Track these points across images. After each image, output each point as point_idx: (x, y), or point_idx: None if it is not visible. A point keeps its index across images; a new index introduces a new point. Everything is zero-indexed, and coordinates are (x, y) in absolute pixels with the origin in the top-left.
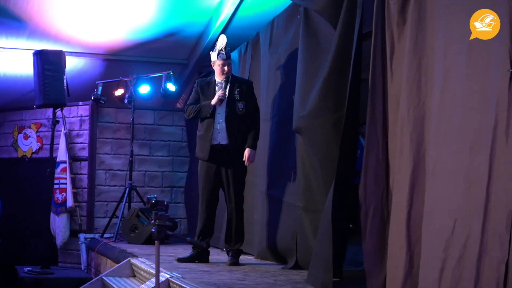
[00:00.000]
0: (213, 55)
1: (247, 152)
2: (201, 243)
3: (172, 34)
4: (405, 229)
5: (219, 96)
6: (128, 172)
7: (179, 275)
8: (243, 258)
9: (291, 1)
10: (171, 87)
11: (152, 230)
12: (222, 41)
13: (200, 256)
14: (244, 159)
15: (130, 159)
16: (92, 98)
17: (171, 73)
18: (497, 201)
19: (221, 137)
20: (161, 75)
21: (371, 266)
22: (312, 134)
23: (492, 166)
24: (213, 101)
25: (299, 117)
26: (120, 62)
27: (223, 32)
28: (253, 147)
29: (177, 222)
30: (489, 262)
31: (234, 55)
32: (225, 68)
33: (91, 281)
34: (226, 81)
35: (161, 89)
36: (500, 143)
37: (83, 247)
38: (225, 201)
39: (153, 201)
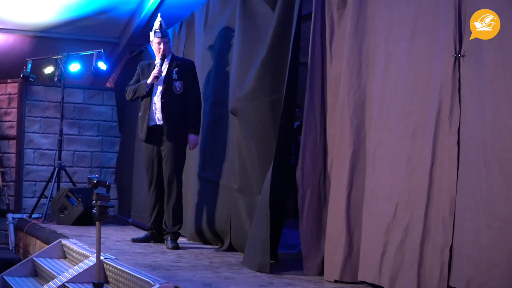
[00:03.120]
0: (151, 35)
1: (189, 137)
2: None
3: (103, 12)
4: (345, 213)
5: (154, 73)
6: (57, 151)
7: (113, 257)
8: None
9: None
10: (102, 65)
11: (93, 211)
12: (158, 20)
13: (155, 237)
14: (188, 144)
15: (59, 138)
16: (21, 75)
17: (102, 51)
18: (440, 186)
19: (157, 117)
20: (92, 54)
21: (308, 249)
22: (248, 116)
23: (435, 151)
24: (149, 80)
25: (235, 98)
26: (50, 39)
27: (156, 11)
28: (195, 133)
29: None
30: (433, 247)
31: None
32: (161, 46)
33: (22, 262)
34: (162, 59)
35: (92, 68)
36: (443, 128)
37: (11, 227)
38: (163, 182)
39: (95, 181)
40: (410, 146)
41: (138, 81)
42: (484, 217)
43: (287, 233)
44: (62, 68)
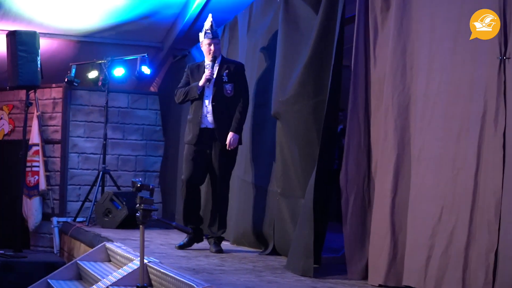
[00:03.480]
0: (201, 36)
1: (229, 135)
2: (187, 228)
3: (147, 17)
4: (389, 217)
5: (206, 76)
6: (101, 155)
7: (156, 260)
8: None
9: None
10: (146, 70)
11: (137, 214)
12: (208, 20)
13: (196, 237)
14: (227, 142)
15: (104, 142)
16: (65, 80)
17: (146, 56)
18: (485, 189)
19: (209, 121)
20: (136, 58)
21: (352, 253)
22: (291, 119)
23: (480, 154)
24: (201, 82)
25: (278, 102)
26: (94, 44)
27: (199, 15)
28: (237, 131)
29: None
30: (478, 251)
31: None
32: (211, 47)
33: (66, 265)
34: (213, 61)
35: (136, 72)
36: (489, 130)
37: (56, 231)
38: (210, 186)
39: (139, 185)
40: (454, 149)
41: (187, 83)
42: None
43: (331, 237)
44: (106, 73)
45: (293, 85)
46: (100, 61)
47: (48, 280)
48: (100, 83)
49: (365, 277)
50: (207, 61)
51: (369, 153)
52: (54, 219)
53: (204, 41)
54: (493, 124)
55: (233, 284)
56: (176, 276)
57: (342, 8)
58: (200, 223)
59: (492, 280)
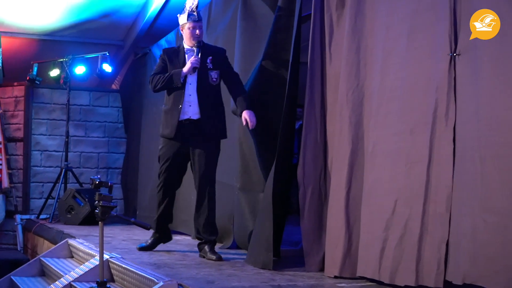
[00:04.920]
0: (182, 18)
1: (246, 114)
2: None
3: (107, 15)
4: (344, 209)
5: (193, 62)
6: (63, 153)
7: (118, 256)
8: (180, 238)
9: None
10: (107, 68)
11: (96, 211)
12: (192, 0)
13: (162, 238)
14: (246, 124)
15: (66, 140)
16: (27, 78)
17: (107, 54)
18: (437, 182)
19: (192, 111)
20: (97, 56)
21: (309, 246)
22: None
23: (432, 148)
24: (185, 69)
25: None
26: (56, 42)
27: (159, 13)
28: (251, 108)
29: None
30: (430, 242)
31: (171, 36)
32: (197, 31)
33: (29, 262)
34: (199, 46)
35: (97, 70)
36: (440, 125)
37: (19, 228)
38: (194, 185)
39: (97, 182)
40: (408, 144)
41: (164, 69)
42: (480, 212)
43: (290, 230)
44: (67, 71)
45: (252, 82)
46: (62, 59)
47: (12, 277)
48: (62, 81)
49: (322, 269)
50: (188, 45)
51: (325, 148)
52: (18, 217)
53: (187, 24)
54: (444, 119)
55: (193, 277)
56: (137, 271)
57: (299, 6)
58: (170, 222)
59: (444, 271)
